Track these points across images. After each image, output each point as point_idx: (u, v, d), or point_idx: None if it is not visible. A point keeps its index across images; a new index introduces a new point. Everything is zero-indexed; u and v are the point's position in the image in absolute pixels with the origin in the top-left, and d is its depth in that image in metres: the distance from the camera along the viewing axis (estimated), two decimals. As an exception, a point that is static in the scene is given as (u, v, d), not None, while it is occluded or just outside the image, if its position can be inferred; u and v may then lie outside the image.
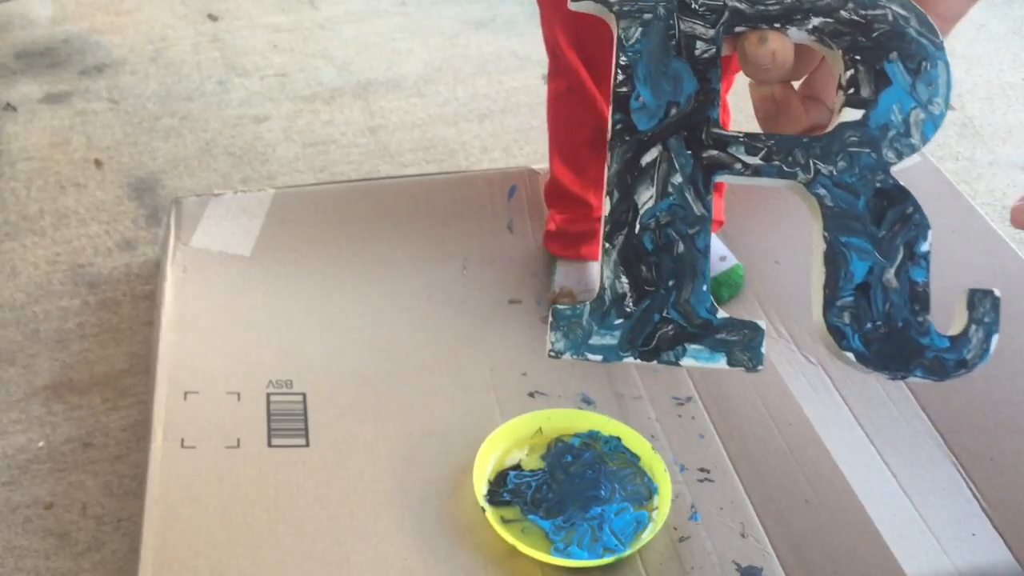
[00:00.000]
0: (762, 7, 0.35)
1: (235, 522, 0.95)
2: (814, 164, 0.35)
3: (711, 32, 0.35)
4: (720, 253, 1.25)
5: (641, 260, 0.34)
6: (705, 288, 0.34)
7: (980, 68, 1.81)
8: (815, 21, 0.35)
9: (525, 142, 1.59)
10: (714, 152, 0.35)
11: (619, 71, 0.35)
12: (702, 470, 1.05)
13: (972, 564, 0.95)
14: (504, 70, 1.76)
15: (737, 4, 0.35)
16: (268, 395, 1.07)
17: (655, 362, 0.34)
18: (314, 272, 1.23)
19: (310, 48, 1.83)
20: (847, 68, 0.35)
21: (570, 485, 1.00)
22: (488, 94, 1.71)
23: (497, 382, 1.12)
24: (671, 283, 0.34)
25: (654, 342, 0.34)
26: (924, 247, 0.35)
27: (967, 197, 1.36)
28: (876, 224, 0.35)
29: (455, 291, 1.23)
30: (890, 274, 0.35)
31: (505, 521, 0.97)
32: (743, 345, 0.34)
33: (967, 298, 0.36)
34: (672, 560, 0.96)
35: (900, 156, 0.35)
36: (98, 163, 1.54)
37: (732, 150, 0.35)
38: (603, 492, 1.00)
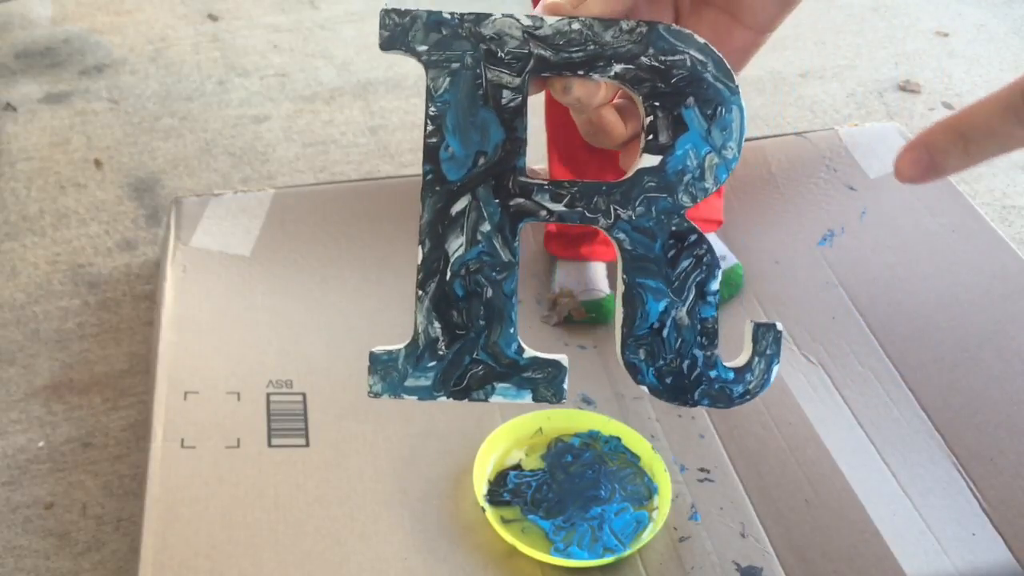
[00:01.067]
0: (565, 55, 0.35)
1: (235, 522, 0.95)
2: (614, 209, 0.36)
3: (517, 81, 0.36)
4: (720, 253, 1.25)
5: (452, 306, 0.37)
6: (512, 330, 0.36)
7: (980, 68, 1.81)
8: (617, 68, 0.36)
9: (525, 142, 1.59)
10: (520, 200, 0.36)
11: (429, 121, 0.36)
12: (702, 470, 1.05)
13: (972, 564, 0.95)
14: (504, 70, 1.76)
15: (542, 52, 0.36)
16: (268, 395, 1.07)
17: (466, 400, 0.36)
18: (314, 272, 1.23)
19: (310, 48, 1.83)
20: (647, 114, 0.36)
21: (570, 485, 1.00)
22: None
23: (497, 382, 1.12)
24: (481, 326, 0.37)
25: (465, 382, 0.37)
26: (714, 286, 0.37)
27: (967, 197, 1.36)
28: (671, 266, 0.36)
29: (455, 291, 1.23)
30: (682, 312, 0.36)
31: (505, 521, 0.97)
32: (547, 382, 0.37)
33: (751, 331, 0.37)
34: (672, 560, 0.96)
35: (694, 200, 0.37)
36: (98, 163, 1.54)
37: (537, 197, 0.36)
38: (603, 492, 1.00)
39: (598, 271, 1.23)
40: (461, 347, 0.37)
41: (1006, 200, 1.51)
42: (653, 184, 0.36)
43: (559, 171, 1.20)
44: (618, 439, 1.05)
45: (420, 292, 0.38)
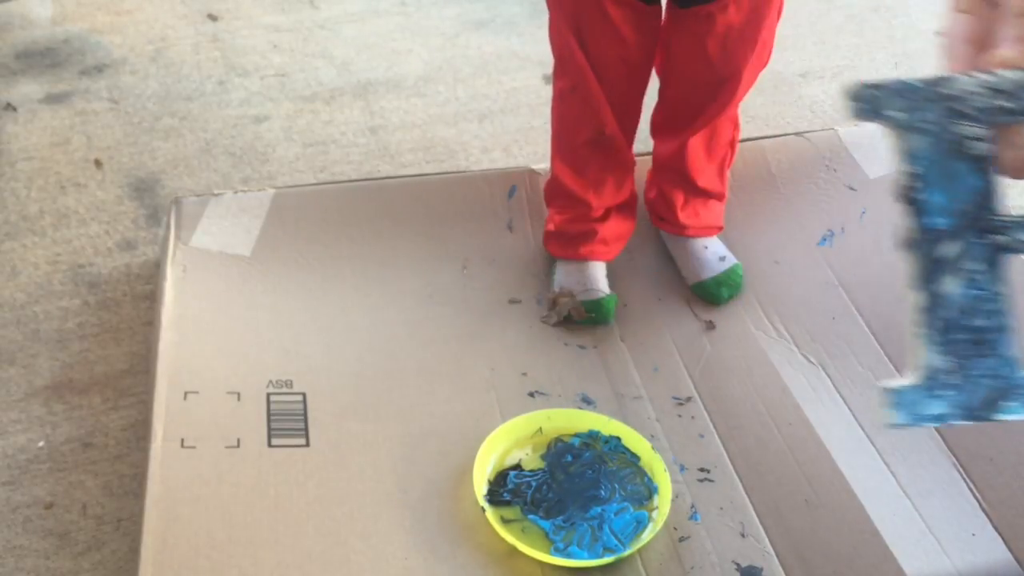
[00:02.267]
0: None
1: (235, 522, 0.95)
2: None
3: (983, 131, 0.39)
4: (720, 253, 1.25)
5: (958, 341, 0.40)
6: (1010, 353, 0.39)
7: (980, 68, 1.81)
8: None
9: (525, 142, 1.59)
10: (1001, 238, 0.40)
11: (909, 179, 0.40)
12: (702, 470, 1.05)
13: (972, 564, 0.95)
14: (504, 70, 1.76)
15: (1004, 103, 0.38)
16: (268, 395, 1.07)
17: (983, 421, 0.40)
18: (314, 272, 1.24)
19: (310, 48, 1.83)
20: None
21: (570, 485, 1.00)
22: (488, 94, 1.71)
23: (497, 382, 1.12)
24: (984, 354, 0.40)
25: (983, 404, 0.40)
26: None
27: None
28: None
29: (455, 291, 1.23)
30: None
31: (505, 521, 0.97)
32: None
33: None
34: (672, 560, 0.96)
35: None
36: (98, 163, 1.54)
37: (1014, 233, 0.40)
38: (603, 492, 1.00)
39: (597, 271, 1.23)
40: (968, 375, 0.40)
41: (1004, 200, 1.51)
42: None
43: (561, 169, 1.20)
44: (618, 439, 1.05)
45: (924, 333, 0.41)
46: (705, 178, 1.23)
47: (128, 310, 1.30)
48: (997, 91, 0.38)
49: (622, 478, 1.01)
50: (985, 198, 0.39)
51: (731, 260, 1.25)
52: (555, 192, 1.22)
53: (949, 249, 0.40)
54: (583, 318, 1.19)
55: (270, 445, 1.02)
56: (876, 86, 0.39)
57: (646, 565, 0.95)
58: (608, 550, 0.95)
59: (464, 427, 1.06)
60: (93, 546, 1.03)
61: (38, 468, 1.11)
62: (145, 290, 1.32)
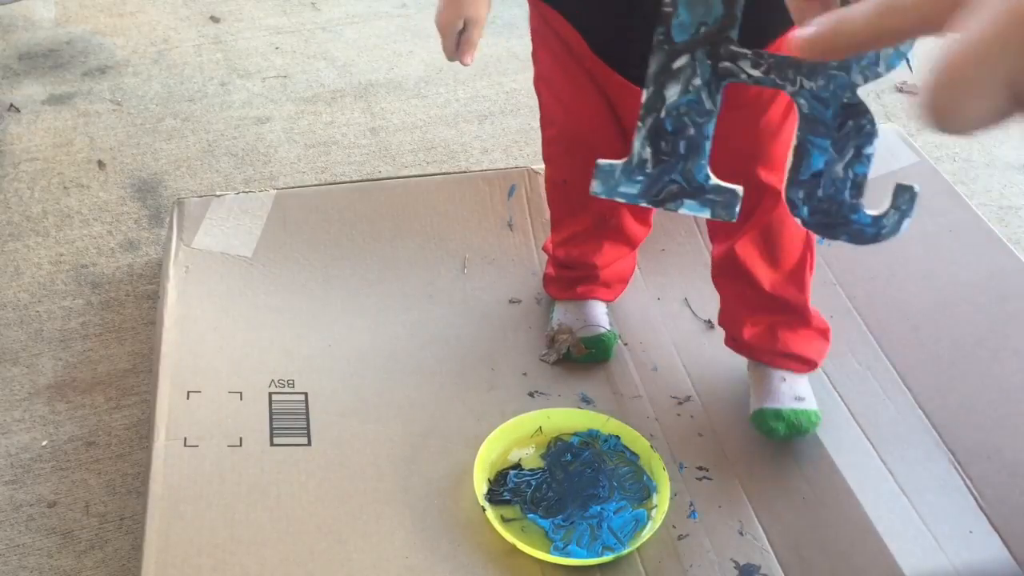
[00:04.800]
0: None
1: (237, 520, 0.96)
2: (800, 80, 0.45)
3: None
4: (798, 392, 1.07)
5: (662, 137, 0.46)
6: (704, 162, 0.46)
7: (979, 69, 1.82)
8: None
9: (525, 143, 1.60)
10: (728, 63, 0.45)
11: None
12: (700, 468, 1.05)
13: (969, 562, 0.96)
14: (504, 72, 1.77)
15: None
16: (270, 394, 1.08)
17: (661, 208, 0.46)
18: (315, 272, 1.24)
19: (311, 50, 1.84)
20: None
21: (569, 484, 1.01)
22: (488, 95, 1.71)
23: (497, 382, 1.13)
24: (681, 155, 0.46)
25: (662, 195, 0.46)
26: (869, 150, 0.45)
27: (964, 197, 1.37)
28: (838, 130, 0.45)
29: (455, 290, 1.24)
30: (839, 167, 0.45)
31: (505, 520, 0.97)
32: (723, 205, 0.46)
33: (894, 189, 0.45)
34: (671, 558, 0.96)
35: (866, 80, 0.44)
36: (101, 164, 1.55)
37: (741, 63, 0.45)
38: (602, 491, 1.00)
39: (597, 308, 1.18)
40: (664, 168, 0.46)
41: (1003, 201, 1.52)
42: (835, 64, 0.44)
43: (558, 247, 1.16)
44: (617, 438, 1.05)
45: (640, 124, 0.46)
46: (774, 283, 1.04)
47: (131, 310, 1.30)
48: None
49: (621, 477, 1.02)
50: (724, 28, 0.44)
51: (810, 404, 1.07)
52: (555, 254, 1.17)
53: (681, 60, 0.45)
54: (582, 354, 1.14)
55: (272, 444, 1.03)
56: None
57: (645, 563, 0.96)
58: (607, 548, 0.95)
59: (464, 427, 1.07)
60: (96, 544, 1.04)
61: (41, 467, 1.11)
62: (148, 290, 1.33)
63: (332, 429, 1.05)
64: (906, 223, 0.45)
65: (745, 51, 0.45)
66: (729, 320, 1.10)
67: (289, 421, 1.06)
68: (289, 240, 1.27)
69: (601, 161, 0.47)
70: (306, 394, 1.09)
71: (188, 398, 1.06)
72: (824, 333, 1.09)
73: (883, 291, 1.24)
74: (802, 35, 0.41)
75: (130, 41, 1.84)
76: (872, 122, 0.45)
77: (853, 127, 0.45)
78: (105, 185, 1.51)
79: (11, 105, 1.67)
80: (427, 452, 1.04)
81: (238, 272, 1.22)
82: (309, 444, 1.03)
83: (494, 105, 1.69)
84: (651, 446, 1.03)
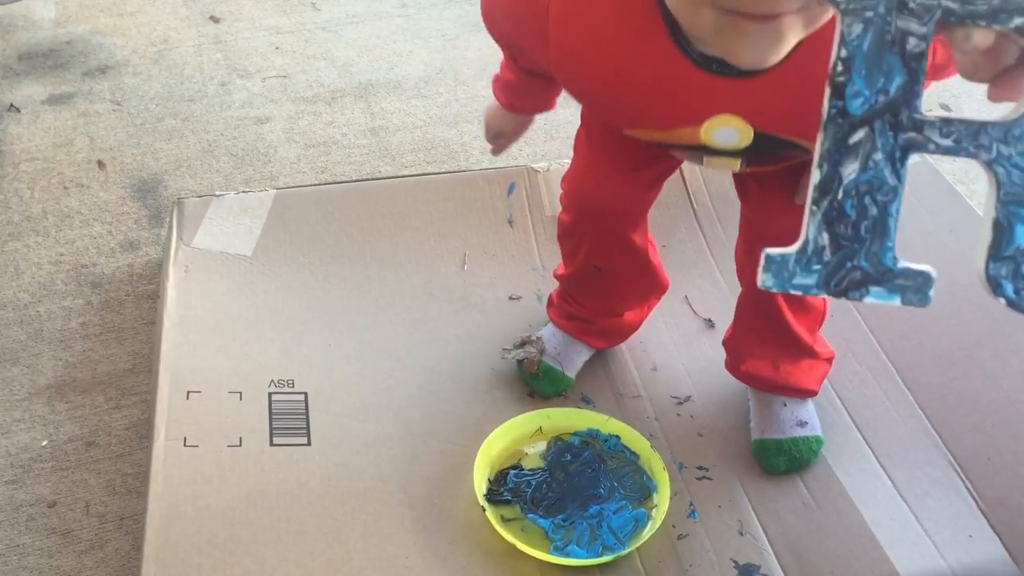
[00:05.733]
0: (971, 7, 0.39)
1: (237, 520, 0.96)
2: (997, 147, 0.41)
3: (923, 29, 0.40)
4: (801, 417, 1.07)
5: (841, 221, 0.42)
6: (891, 244, 0.43)
7: (979, 69, 1.82)
8: (1018, 20, 0.39)
9: (525, 143, 1.60)
10: (912, 134, 0.41)
11: (839, 63, 0.40)
12: (700, 468, 1.05)
13: (968, 567, 0.96)
14: (505, 71, 1.77)
15: (949, 3, 0.39)
16: (270, 394, 1.08)
17: (843, 298, 0.43)
18: (315, 271, 1.24)
19: (311, 50, 1.84)
20: None
21: (569, 484, 1.01)
22: (488, 96, 1.70)
23: (497, 382, 1.13)
24: (864, 239, 0.42)
25: (844, 284, 0.43)
26: None
27: (964, 197, 1.37)
28: None
29: (455, 288, 1.24)
30: None
31: (505, 520, 0.97)
32: (915, 289, 0.43)
33: None
34: (670, 557, 0.96)
35: None
36: (101, 164, 1.55)
37: (928, 133, 0.41)
38: (602, 490, 1.00)
39: (581, 354, 1.13)
40: (844, 255, 0.42)
41: (1004, 201, 1.52)
42: None
43: (563, 290, 1.14)
44: (617, 438, 1.05)
45: (814, 208, 0.42)
46: (794, 325, 1.03)
47: (131, 310, 1.30)
48: None
49: (621, 477, 1.02)
50: (908, 95, 0.40)
51: (813, 429, 1.06)
52: (560, 283, 1.14)
53: (859, 135, 0.41)
54: (530, 374, 1.11)
55: (272, 444, 1.03)
56: None
57: (645, 563, 0.96)
58: (607, 548, 0.95)
59: (464, 427, 1.07)
60: (96, 544, 1.04)
61: (41, 467, 1.11)
62: (148, 290, 1.33)
63: (332, 429, 1.05)
64: None
65: (932, 118, 0.41)
66: (734, 347, 1.09)
67: (289, 421, 1.06)
68: (289, 240, 1.27)
69: (770, 251, 0.43)
70: (306, 394, 1.09)
71: (188, 398, 1.06)
72: (829, 360, 1.09)
73: (883, 291, 1.24)
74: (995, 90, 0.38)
75: (130, 41, 1.84)
76: None
77: None
78: (105, 185, 1.51)
79: (11, 105, 1.67)
80: (427, 452, 1.04)
81: (238, 272, 1.22)
82: (309, 444, 1.04)
83: (494, 105, 1.69)
84: (651, 446, 1.03)
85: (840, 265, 0.43)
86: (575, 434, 1.06)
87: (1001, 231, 0.42)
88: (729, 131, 0.81)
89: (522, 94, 1.04)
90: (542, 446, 1.05)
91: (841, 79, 0.41)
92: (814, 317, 1.05)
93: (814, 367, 1.07)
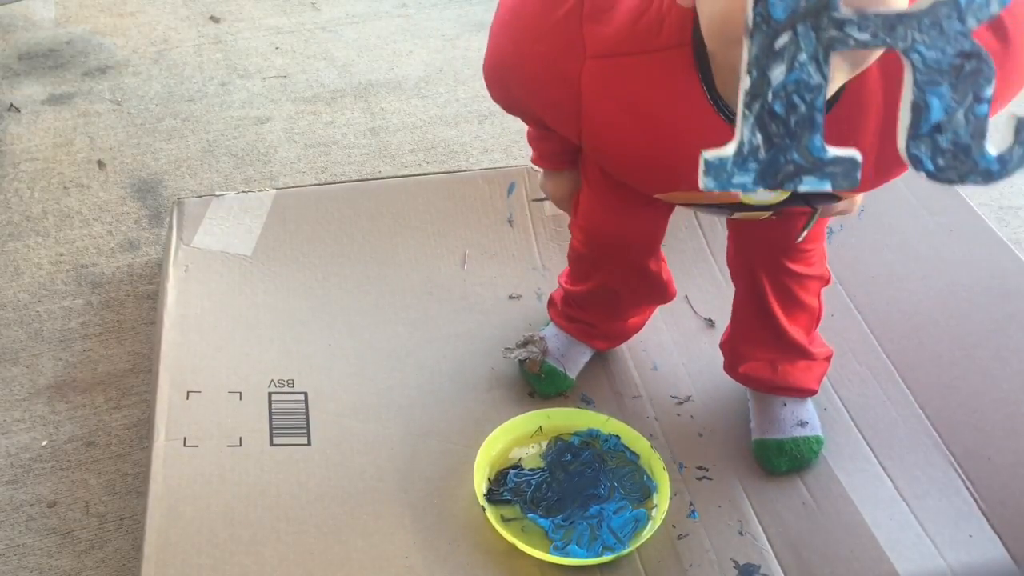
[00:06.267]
0: None
1: (237, 520, 0.96)
2: (911, 35, 0.44)
3: None
4: (801, 417, 1.06)
5: (772, 120, 0.45)
6: (819, 135, 0.45)
7: (979, 69, 1.82)
8: None
9: (525, 143, 1.60)
10: (833, 33, 0.44)
11: None
12: (700, 468, 1.05)
13: (968, 566, 0.96)
14: (505, 71, 1.76)
15: None
16: (270, 394, 1.08)
17: (779, 189, 0.46)
18: (315, 271, 1.24)
19: (311, 50, 1.84)
20: None
21: (569, 484, 1.01)
22: (488, 96, 1.71)
23: (497, 381, 1.13)
24: (794, 134, 0.45)
25: (779, 177, 0.45)
26: (988, 91, 0.44)
27: (964, 197, 1.37)
28: (955, 76, 0.44)
29: (455, 287, 1.24)
30: (960, 113, 0.45)
31: (505, 520, 0.97)
32: (843, 174, 0.45)
33: (1015, 125, 0.45)
34: (670, 557, 0.96)
35: (979, 21, 0.43)
36: (101, 164, 1.55)
37: (847, 29, 0.44)
38: (602, 490, 1.00)
39: (582, 355, 1.13)
40: (777, 151, 0.45)
41: (1003, 201, 1.52)
42: (946, 11, 0.43)
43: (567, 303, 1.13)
44: (617, 438, 1.05)
45: (746, 111, 0.45)
46: (788, 329, 1.03)
47: (131, 310, 1.30)
48: None
49: (621, 476, 1.02)
50: None
51: (813, 429, 1.06)
52: (565, 288, 1.13)
53: (783, 39, 0.43)
54: (532, 374, 1.11)
55: (272, 444, 1.03)
56: None
57: (645, 563, 0.96)
58: (607, 548, 0.95)
59: (464, 427, 1.07)
60: (96, 544, 1.04)
61: (41, 467, 1.11)
62: (148, 290, 1.33)
63: (332, 429, 1.05)
64: None
65: (850, 15, 0.43)
66: (731, 349, 1.09)
67: (289, 421, 1.06)
68: (289, 239, 1.27)
69: (707, 153, 0.46)
70: (306, 394, 1.09)
71: (188, 398, 1.06)
72: (827, 358, 1.08)
73: (883, 291, 1.24)
74: None
75: (130, 41, 1.84)
76: (989, 62, 0.44)
77: (970, 71, 0.44)
78: (105, 185, 1.51)
79: (11, 105, 1.67)
80: (427, 452, 1.04)
81: (238, 271, 1.22)
82: (309, 444, 1.04)
83: (494, 105, 1.68)
84: (651, 446, 1.03)
85: (774, 160, 0.45)
86: (575, 434, 1.06)
87: (919, 111, 0.45)
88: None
89: (561, 146, 1.00)
90: (541, 447, 1.05)
91: None
92: (809, 317, 1.05)
93: (812, 367, 1.07)
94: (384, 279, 1.24)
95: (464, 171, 1.45)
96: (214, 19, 1.92)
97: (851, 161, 0.46)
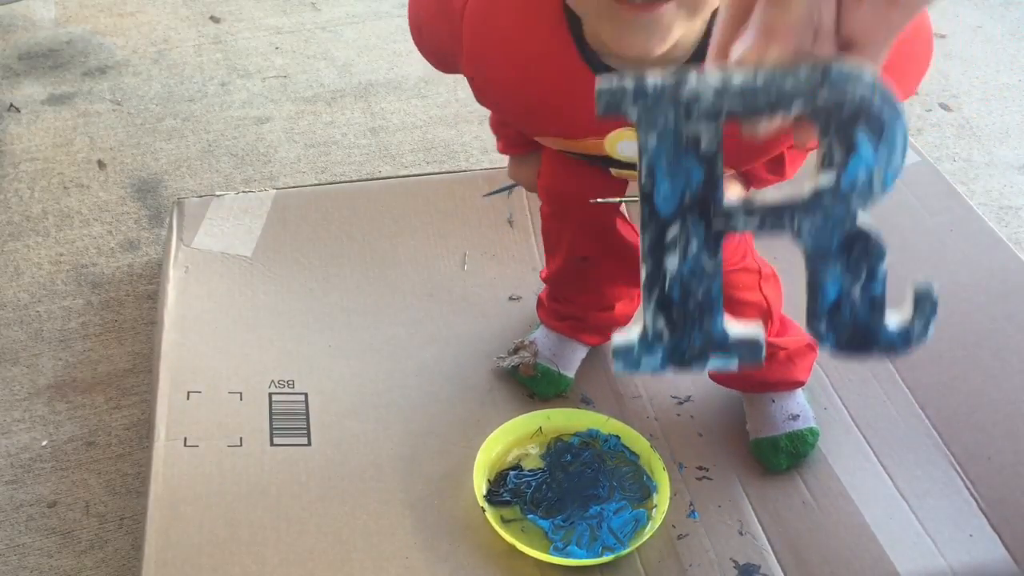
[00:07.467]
0: (753, 103, 0.42)
1: (237, 520, 0.96)
2: (798, 221, 0.44)
3: (713, 130, 0.43)
4: (791, 411, 1.06)
5: (672, 307, 0.46)
6: (719, 318, 0.46)
7: (977, 70, 1.82)
8: (796, 107, 0.42)
9: (525, 143, 1.60)
10: (721, 222, 0.45)
11: (643, 172, 0.44)
12: (700, 468, 1.05)
13: (969, 566, 0.96)
14: (504, 71, 1.76)
15: (732, 104, 0.42)
16: (270, 394, 1.08)
17: (688, 370, 0.47)
18: (315, 271, 1.24)
19: (311, 50, 1.84)
20: (823, 139, 0.43)
21: (569, 484, 1.01)
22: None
23: (497, 382, 1.13)
24: (695, 318, 0.46)
25: (686, 358, 0.46)
26: (881, 269, 0.45)
27: (964, 197, 1.37)
28: (847, 256, 0.45)
29: (455, 288, 1.24)
30: (856, 291, 0.45)
31: (505, 521, 0.97)
32: (748, 353, 0.47)
33: (913, 297, 0.46)
34: (670, 557, 0.96)
35: (864, 206, 0.44)
36: (101, 164, 1.55)
37: (734, 218, 0.45)
38: (602, 491, 1.00)
39: (577, 352, 1.13)
40: (681, 335, 0.46)
41: (1003, 200, 1.52)
42: (830, 198, 0.44)
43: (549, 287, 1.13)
44: (617, 438, 1.05)
45: (646, 300, 0.46)
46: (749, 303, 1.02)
47: (131, 310, 1.30)
48: (726, 93, 0.42)
49: (621, 477, 1.02)
50: (710, 188, 0.44)
51: (805, 420, 1.06)
52: (547, 284, 1.13)
53: (673, 231, 0.45)
54: (527, 376, 1.10)
55: (272, 444, 1.03)
56: (616, 86, 0.43)
57: (645, 563, 0.96)
58: (607, 549, 0.95)
59: (464, 427, 1.07)
60: (96, 544, 1.04)
61: (41, 467, 1.11)
62: (148, 290, 1.33)
63: (332, 429, 1.05)
64: (932, 327, 0.45)
65: (736, 205, 0.45)
66: None
67: (289, 421, 1.06)
68: (289, 240, 1.27)
69: (616, 339, 0.47)
70: (306, 394, 1.09)
71: (188, 398, 1.06)
72: (809, 347, 1.07)
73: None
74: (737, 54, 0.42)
75: (130, 41, 1.84)
76: (879, 242, 0.45)
77: (860, 251, 0.45)
78: (105, 185, 1.51)
79: (11, 105, 1.67)
80: (427, 452, 1.04)
81: (238, 272, 1.22)
82: (309, 444, 1.04)
83: (494, 105, 1.69)
84: (651, 446, 1.03)
85: (678, 343, 0.47)
86: (575, 434, 1.06)
87: (814, 291, 0.46)
88: (632, 144, 0.83)
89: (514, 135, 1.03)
90: (541, 447, 1.05)
91: (648, 187, 0.44)
92: (758, 311, 1.02)
93: (792, 357, 1.06)
94: (384, 280, 1.24)
95: (464, 171, 1.45)
96: (214, 19, 1.92)
97: (754, 341, 0.47)
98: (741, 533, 0.99)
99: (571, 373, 1.13)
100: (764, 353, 0.47)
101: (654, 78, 0.43)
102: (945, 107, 1.72)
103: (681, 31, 0.70)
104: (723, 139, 0.44)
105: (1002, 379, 1.13)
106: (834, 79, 0.42)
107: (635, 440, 1.05)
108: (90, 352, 1.24)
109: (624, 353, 0.47)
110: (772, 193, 0.45)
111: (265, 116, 1.66)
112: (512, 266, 1.27)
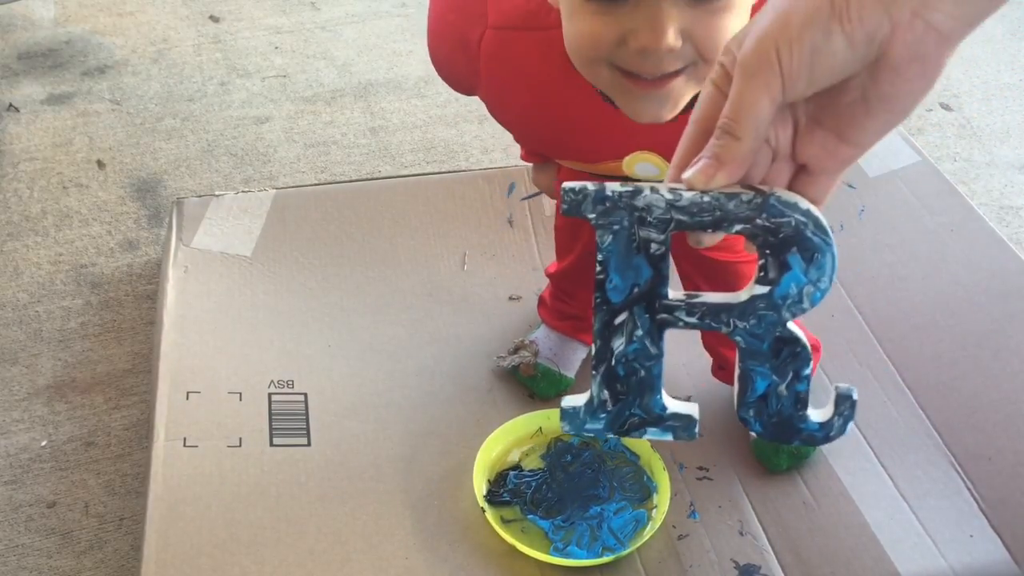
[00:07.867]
0: (699, 219, 0.48)
1: (237, 521, 0.95)
2: (734, 321, 0.50)
3: (661, 237, 0.49)
4: None
5: (616, 381, 0.52)
6: (659, 396, 0.52)
7: (978, 69, 1.82)
8: (737, 227, 0.48)
9: (525, 143, 1.60)
10: (664, 315, 0.51)
11: (599, 264, 0.50)
12: (700, 468, 1.05)
13: (969, 567, 0.96)
14: (504, 71, 1.76)
15: (681, 217, 0.48)
16: (270, 395, 1.08)
17: (628, 436, 0.54)
18: (315, 271, 1.24)
19: (311, 49, 1.84)
20: (760, 257, 0.49)
21: (569, 484, 1.01)
22: (488, 95, 1.71)
23: (497, 382, 1.13)
24: (636, 392, 0.52)
25: (626, 427, 0.53)
26: (806, 371, 0.51)
27: (965, 197, 1.37)
28: (775, 357, 0.50)
29: (455, 288, 1.24)
30: (782, 388, 0.51)
31: (505, 521, 0.97)
32: (682, 427, 0.53)
33: (835, 398, 0.51)
34: (671, 558, 0.96)
35: (793, 315, 0.50)
36: (100, 164, 1.55)
37: (677, 313, 0.51)
38: (602, 491, 1.00)
39: (577, 352, 1.13)
40: (623, 406, 0.52)
41: (1004, 200, 1.52)
42: (763, 305, 0.49)
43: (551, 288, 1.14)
44: (617, 438, 1.05)
45: (594, 371, 0.52)
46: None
47: (130, 310, 1.30)
48: (675, 207, 0.48)
49: (621, 477, 1.02)
50: (656, 285, 0.50)
51: None
52: (552, 280, 1.13)
53: (622, 317, 0.50)
54: (528, 376, 1.10)
55: (272, 444, 1.03)
56: (580, 191, 0.49)
57: (645, 563, 0.96)
58: (607, 549, 0.95)
59: (464, 427, 1.07)
60: (95, 545, 1.04)
61: (40, 467, 1.11)
62: (147, 290, 1.33)
63: (332, 429, 1.05)
64: (850, 425, 0.51)
65: (679, 301, 0.50)
66: (711, 352, 1.09)
67: (289, 421, 1.06)
68: (288, 239, 1.27)
69: (565, 402, 0.53)
70: (306, 394, 1.09)
71: (187, 398, 1.06)
72: (814, 348, 1.05)
73: (883, 290, 1.24)
74: (693, 172, 0.47)
75: (129, 41, 1.84)
76: (805, 347, 0.50)
77: (788, 354, 0.50)
78: (104, 185, 1.51)
79: (10, 105, 1.67)
80: (427, 452, 1.04)
81: (237, 272, 1.22)
82: (309, 444, 1.03)
83: (494, 105, 1.69)
84: (651, 446, 1.03)
85: (620, 413, 0.52)
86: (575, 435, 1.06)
87: (745, 383, 0.51)
88: (648, 166, 0.86)
89: None
90: (541, 448, 1.05)
91: (601, 277, 0.50)
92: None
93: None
94: (384, 280, 1.24)
95: (464, 171, 1.45)
96: (214, 19, 1.92)
97: (689, 417, 0.53)
98: (742, 533, 0.99)
99: (572, 373, 1.13)
100: (698, 428, 0.52)
101: (613, 187, 0.48)
102: (946, 107, 1.72)
103: (689, 97, 0.73)
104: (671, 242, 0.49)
105: (1002, 379, 1.12)
106: (771, 207, 0.47)
107: (635, 440, 1.04)
108: (89, 352, 1.24)
109: (571, 415, 0.53)
110: (712, 296, 0.50)
111: (265, 116, 1.66)
112: (512, 266, 1.27)
